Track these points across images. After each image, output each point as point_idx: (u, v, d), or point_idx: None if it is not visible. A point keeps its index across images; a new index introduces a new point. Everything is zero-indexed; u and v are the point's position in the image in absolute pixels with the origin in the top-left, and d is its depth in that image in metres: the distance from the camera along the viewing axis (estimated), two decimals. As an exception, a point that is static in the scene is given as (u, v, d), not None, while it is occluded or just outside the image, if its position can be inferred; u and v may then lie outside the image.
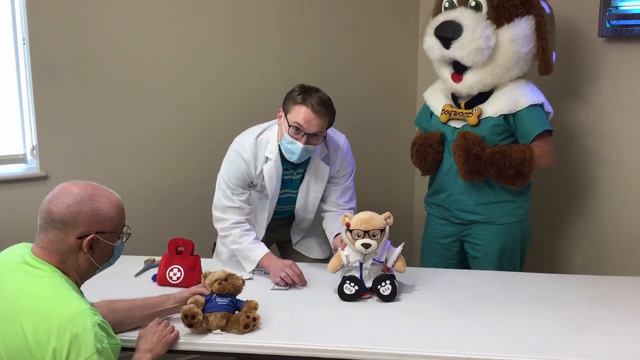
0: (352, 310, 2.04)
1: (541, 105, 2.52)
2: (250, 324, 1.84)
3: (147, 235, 2.71)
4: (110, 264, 1.71)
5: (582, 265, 2.94)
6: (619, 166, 2.74)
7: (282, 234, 2.62)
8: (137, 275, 2.33)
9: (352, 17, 3.34)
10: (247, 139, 2.36)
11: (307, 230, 2.58)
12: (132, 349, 1.71)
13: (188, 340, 1.82)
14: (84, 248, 1.58)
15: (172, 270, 2.22)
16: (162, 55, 2.89)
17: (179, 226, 2.97)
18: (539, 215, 2.96)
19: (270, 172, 2.34)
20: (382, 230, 2.08)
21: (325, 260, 2.48)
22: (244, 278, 2.00)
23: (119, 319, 1.78)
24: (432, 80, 2.78)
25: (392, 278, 2.10)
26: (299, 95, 2.22)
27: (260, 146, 2.34)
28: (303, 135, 2.21)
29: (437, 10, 2.59)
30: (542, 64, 2.51)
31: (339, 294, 2.10)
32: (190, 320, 1.80)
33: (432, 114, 2.71)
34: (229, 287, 1.90)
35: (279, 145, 2.32)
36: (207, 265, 2.31)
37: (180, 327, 1.83)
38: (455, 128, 2.58)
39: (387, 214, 2.11)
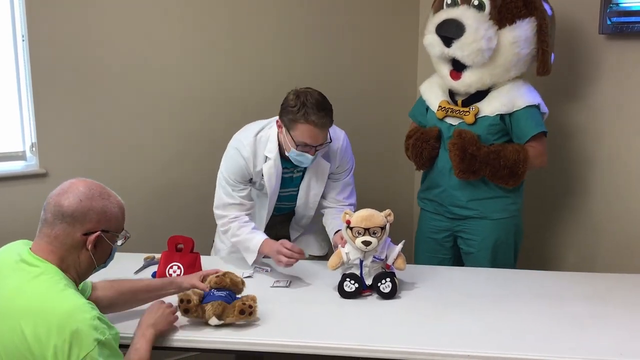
0: (352, 308, 2.04)
1: (537, 106, 2.52)
2: (246, 310, 1.82)
3: (147, 232, 2.71)
4: (104, 266, 1.72)
5: (574, 263, 2.95)
6: (617, 165, 2.74)
7: (281, 230, 2.62)
8: (137, 272, 2.33)
9: (353, 16, 3.33)
10: (245, 136, 2.35)
11: (306, 227, 2.58)
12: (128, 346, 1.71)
13: (187, 337, 1.82)
14: (89, 245, 1.59)
15: (171, 267, 2.22)
16: (162, 52, 2.89)
17: (178, 223, 2.96)
18: (532, 214, 2.98)
19: (270, 172, 2.33)
20: (383, 228, 2.08)
21: (324, 257, 2.48)
22: (243, 277, 2.00)
23: (123, 300, 1.87)
24: (432, 79, 2.78)
25: (392, 275, 2.10)
26: (298, 111, 2.16)
27: (259, 144, 2.33)
28: (311, 148, 2.22)
29: (439, 7, 2.58)
30: (541, 66, 2.51)
31: (339, 291, 2.10)
32: (185, 305, 1.81)
33: (427, 108, 2.70)
34: (227, 280, 1.91)
35: (278, 145, 2.31)
36: (207, 262, 2.32)
37: (180, 323, 1.83)
38: (451, 125, 2.57)
39: (387, 211, 2.11)
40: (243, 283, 1.94)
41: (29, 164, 2.72)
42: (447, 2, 2.54)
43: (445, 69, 2.56)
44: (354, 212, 2.14)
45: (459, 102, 2.57)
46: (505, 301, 2.09)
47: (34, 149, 2.71)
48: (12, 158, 2.71)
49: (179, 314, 1.84)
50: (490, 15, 2.43)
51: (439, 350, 1.75)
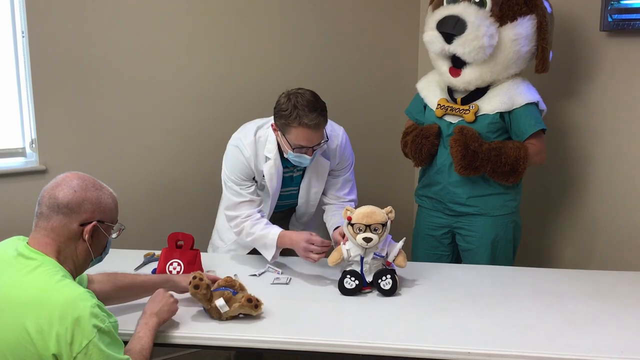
0: (353, 305, 2.03)
1: (536, 104, 2.52)
2: (253, 299, 1.85)
3: (146, 229, 2.72)
4: (101, 259, 1.73)
5: (570, 260, 2.96)
6: (616, 163, 2.74)
7: (281, 226, 2.61)
8: (137, 269, 2.32)
9: (354, 16, 3.33)
10: (245, 135, 2.33)
11: (306, 224, 2.58)
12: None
13: (188, 334, 1.82)
14: (85, 235, 1.60)
15: (172, 264, 2.21)
16: (162, 49, 2.88)
17: (178, 220, 2.97)
18: (530, 211, 2.98)
19: (271, 172, 2.32)
20: (384, 225, 2.08)
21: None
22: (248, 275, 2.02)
23: (119, 294, 1.90)
24: (433, 77, 2.77)
25: (392, 272, 2.09)
26: (290, 114, 2.14)
27: (259, 144, 2.32)
28: (308, 149, 2.21)
29: (439, 3, 2.57)
30: (540, 63, 2.51)
31: (339, 288, 2.10)
32: (197, 281, 1.83)
33: (425, 106, 2.70)
34: (237, 283, 1.96)
35: (277, 145, 2.30)
36: (207, 259, 2.31)
37: (181, 319, 1.82)
38: (450, 123, 2.57)
39: (388, 208, 2.10)
40: (258, 300, 1.89)
41: (29, 160, 2.72)
42: None
43: (445, 66, 2.55)
44: (355, 208, 2.13)
45: (458, 100, 2.57)
46: (505, 298, 2.09)
47: (33, 145, 2.71)
48: (12, 154, 2.71)
49: (181, 314, 1.85)
50: (491, 12, 2.43)
51: (439, 347, 1.75)
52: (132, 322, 1.77)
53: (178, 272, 2.19)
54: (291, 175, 2.41)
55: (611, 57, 2.70)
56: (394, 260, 2.12)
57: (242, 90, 3.07)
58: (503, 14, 2.43)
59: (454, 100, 2.59)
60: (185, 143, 3.00)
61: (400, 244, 2.14)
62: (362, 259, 2.10)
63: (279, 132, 2.23)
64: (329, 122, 2.33)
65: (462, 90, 2.57)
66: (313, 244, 2.16)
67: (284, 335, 1.81)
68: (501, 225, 2.60)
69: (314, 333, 1.83)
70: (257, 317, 1.89)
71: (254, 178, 2.36)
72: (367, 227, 2.06)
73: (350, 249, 2.12)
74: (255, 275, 2.27)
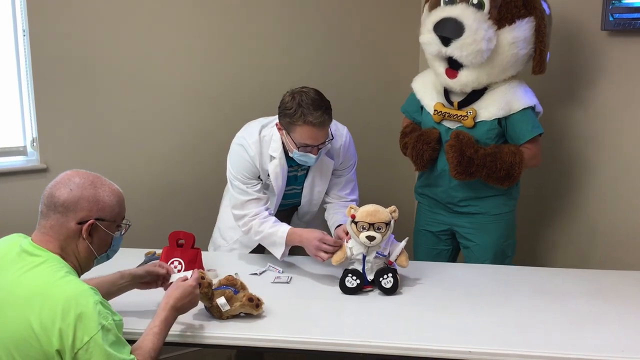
0: (354, 304, 2.03)
1: (533, 107, 2.50)
2: (254, 299, 1.85)
3: (147, 227, 2.71)
4: (109, 257, 1.71)
5: (569, 260, 2.95)
6: (616, 163, 2.74)
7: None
8: (138, 267, 2.32)
9: (354, 16, 3.33)
10: (249, 134, 2.33)
11: (308, 222, 2.58)
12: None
13: (189, 333, 1.82)
14: (83, 234, 1.59)
15: (172, 263, 2.21)
16: (164, 48, 2.88)
17: (179, 219, 2.96)
18: (530, 212, 2.98)
19: (276, 171, 2.31)
20: (387, 224, 2.08)
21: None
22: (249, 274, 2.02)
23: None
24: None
25: (394, 271, 2.09)
26: (295, 113, 2.14)
27: (264, 143, 2.31)
28: (313, 148, 2.20)
29: (435, 3, 2.50)
30: (537, 65, 2.48)
31: (340, 287, 2.10)
32: (199, 280, 1.81)
33: (422, 107, 2.68)
34: (238, 282, 1.95)
35: (282, 144, 2.29)
36: (207, 258, 2.31)
37: (182, 321, 1.82)
38: (449, 128, 2.56)
39: (392, 207, 2.10)
40: (259, 300, 1.90)
41: (30, 159, 2.72)
42: (444, 0, 2.47)
43: (441, 67, 2.51)
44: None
45: (455, 103, 2.55)
46: (506, 297, 2.09)
47: (34, 144, 2.71)
48: (13, 153, 2.71)
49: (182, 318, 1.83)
50: (489, 15, 2.38)
51: (440, 346, 1.75)
52: (137, 321, 1.77)
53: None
54: (295, 175, 2.41)
55: (612, 57, 2.70)
56: (396, 259, 2.12)
57: (243, 88, 3.07)
58: (501, 17, 2.39)
59: (450, 103, 2.56)
60: (186, 141, 3.00)
61: (403, 243, 2.14)
62: (364, 257, 2.10)
63: (283, 131, 2.23)
64: (334, 121, 2.32)
65: (459, 92, 2.54)
66: (325, 243, 2.16)
67: (284, 334, 1.82)
68: (501, 224, 2.60)
69: (315, 332, 1.83)
70: (258, 316, 1.89)
71: (259, 176, 2.35)
72: (371, 225, 2.06)
73: (352, 247, 2.12)
74: (256, 274, 2.27)
